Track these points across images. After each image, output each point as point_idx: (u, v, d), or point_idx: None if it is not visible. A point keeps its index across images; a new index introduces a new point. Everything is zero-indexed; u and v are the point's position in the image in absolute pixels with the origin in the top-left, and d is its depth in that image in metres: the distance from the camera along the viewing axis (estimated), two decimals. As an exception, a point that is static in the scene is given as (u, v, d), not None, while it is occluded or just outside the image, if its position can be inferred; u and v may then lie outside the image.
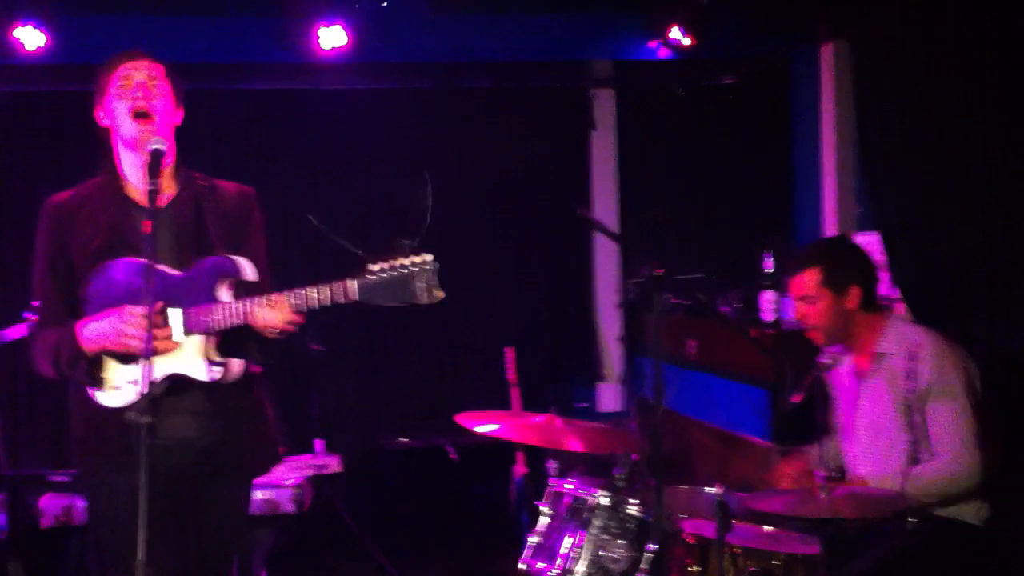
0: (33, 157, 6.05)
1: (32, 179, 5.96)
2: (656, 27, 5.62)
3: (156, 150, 2.72)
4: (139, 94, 2.82)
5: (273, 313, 2.69)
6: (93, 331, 2.75)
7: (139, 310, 2.67)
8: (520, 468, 4.86)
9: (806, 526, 3.28)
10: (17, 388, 5.93)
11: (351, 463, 5.42)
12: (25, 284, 3.02)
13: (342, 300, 2.66)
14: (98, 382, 2.81)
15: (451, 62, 6.06)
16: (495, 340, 5.49)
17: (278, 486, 4.77)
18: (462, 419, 3.56)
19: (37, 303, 2.93)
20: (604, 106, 6.67)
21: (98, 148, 2.99)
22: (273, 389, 3.11)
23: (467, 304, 6.28)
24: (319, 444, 5.44)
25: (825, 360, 3.47)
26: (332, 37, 5.49)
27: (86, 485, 2.98)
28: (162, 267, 2.78)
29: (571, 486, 3.47)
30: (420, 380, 6.35)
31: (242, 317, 2.71)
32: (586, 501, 3.39)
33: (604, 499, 3.36)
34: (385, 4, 5.69)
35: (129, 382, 2.78)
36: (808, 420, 3.59)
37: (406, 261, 2.63)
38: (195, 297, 2.77)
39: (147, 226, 2.58)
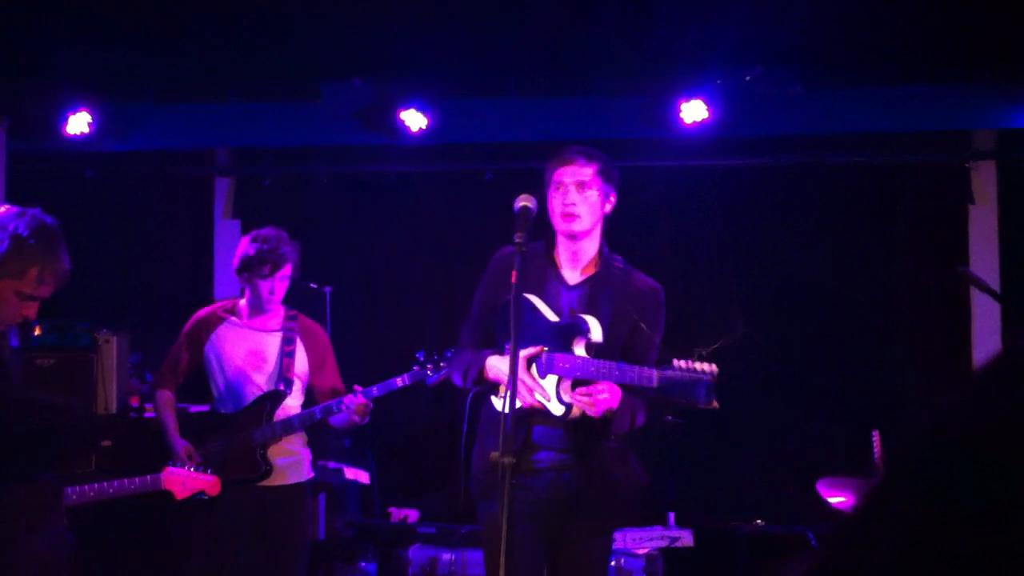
0: (405, 233, 6.47)
1: (410, 253, 6.41)
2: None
3: (524, 207, 2.94)
4: (568, 200, 3.13)
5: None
6: (496, 368, 3.15)
7: (528, 380, 3.02)
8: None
9: None
10: (393, 439, 6.30)
11: (702, 540, 5.29)
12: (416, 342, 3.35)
13: (644, 384, 2.90)
14: (494, 390, 3.19)
15: (820, 135, 5.93)
16: (859, 423, 5.19)
17: (631, 554, 4.75)
18: (823, 487, 3.41)
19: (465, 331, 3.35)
20: (985, 179, 6.23)
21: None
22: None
23: (830, 384, 6.02)
24: (672, 516, 5.37)
25: None
26: (693, 112, 5.57)
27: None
28: (544, 312, 3.12)
29: None
30: (778, 461, 6.10)
31: (580, 374, 2.97)
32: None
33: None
34: (749, 79, 5.69)
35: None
36: None
37: (699, 367, 2.78)
38: (559, 343, 3.05)
39: (513, 276, 2.81)
